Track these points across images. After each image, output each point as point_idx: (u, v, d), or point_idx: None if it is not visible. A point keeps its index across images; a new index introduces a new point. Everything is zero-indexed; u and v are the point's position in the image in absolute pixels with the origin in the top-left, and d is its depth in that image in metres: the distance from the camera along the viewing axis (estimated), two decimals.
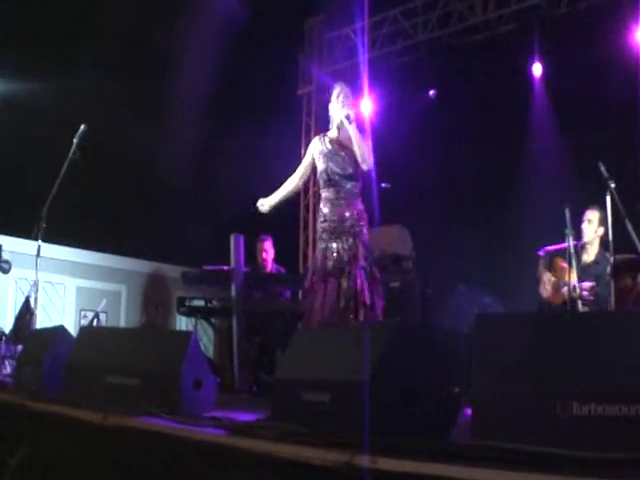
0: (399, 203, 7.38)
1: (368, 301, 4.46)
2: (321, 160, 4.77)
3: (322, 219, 4.72)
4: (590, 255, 5.87)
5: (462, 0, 9.43)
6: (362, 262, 4.51)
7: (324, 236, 4.68)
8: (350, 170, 4.69)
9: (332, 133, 4.84)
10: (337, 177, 4.69)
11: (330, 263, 4.58)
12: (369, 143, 4.69)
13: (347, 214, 4.62)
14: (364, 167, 4.63)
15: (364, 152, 4.60)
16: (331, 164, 4.71)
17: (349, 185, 4.67)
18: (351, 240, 4.56)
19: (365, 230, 4.64)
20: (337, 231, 4.61)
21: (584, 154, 7.27)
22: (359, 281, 4.47)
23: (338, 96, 4.74)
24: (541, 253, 6.02)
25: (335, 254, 4.58)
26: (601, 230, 5.77)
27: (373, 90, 10.20)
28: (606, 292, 5.52)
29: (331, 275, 4.55)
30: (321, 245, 4.70)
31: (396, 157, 8.88)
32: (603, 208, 5.71)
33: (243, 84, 10.47)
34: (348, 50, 10.78)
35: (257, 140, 9.34)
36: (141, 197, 10.86)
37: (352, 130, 4.61)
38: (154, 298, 11.97)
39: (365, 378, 2.35)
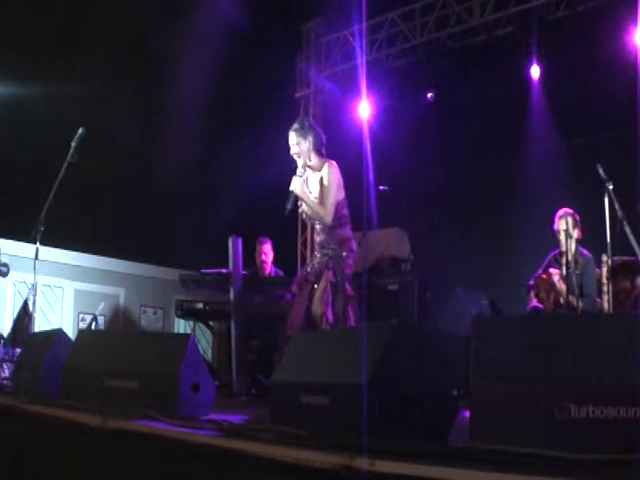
0: (397, 206, 7.38)
1: (331, 317, 4.52)
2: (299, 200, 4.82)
3: (315, 246, 4.93)
4: (569, 256, 5.89)
5: (460, 2, 9.44)
6: (331, 277, 4.59)
7: (313, 256, 4.91)
8: None
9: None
10: (312, 217, 4.80)
11: (307, 272, 4.77)
12: (331, 181, 4.66)
13: (328, 244, 4.72)
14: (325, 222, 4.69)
15: (318, 215, 4.67)
16: (305, 206, 4.75)
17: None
18: (327, 258, 4.68)
19: (345, 255, 4.68)
20: (321, 253, 4.76)
21: (582, 156, 7.29)
22: (325, 295, 4.56)
23: (293, 144, 4.75)
24: (531, 282, 6.07)
25: (310, 267, 4.78)
26: (576, 233, 5.77)
27: (371, 93, 10.22)
28: (589, 283, 5.60)
29: (305, 283, 4.73)
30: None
31: (394, 160, 8.90)
32: (571, 210, 5.76)
33: (241, 87, 10.49)
34: (346, 53, 10.80)
35: (255, 143, 9.35)
36: (139, 200, 10.87)
37: (303, 201, 4.68)
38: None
39: (363, 381, 2.35)
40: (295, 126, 4.78)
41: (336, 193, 4.65)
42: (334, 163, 4.73)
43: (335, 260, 4.63)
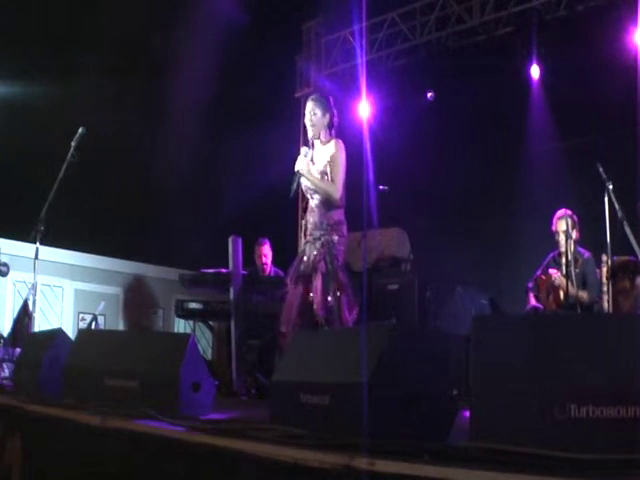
0: (397, 205, 7.39)
1: (321, 311, 4.52)
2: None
3: (307, 226, 4.89)
4: (568, 256, 5.89)
5: (460, 2, 9.44)
6: (323, 267, 4.58)
7: (306, 240, 4.84)
8: None
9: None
10: (312, 191, 4.79)
11: (302, 267, 4.74)
12: (339, 158, 4.70)
13: (321, 223, 4.72)
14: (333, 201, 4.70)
15: (326, 192, 4.69)
16: (308, 182, 4.77)
17: (324, 198, 4.72)
18: (319, 246, 4.66)
19: (337, 239, 4.69)
20: (313, 237, 4.74)
21: (582, 156, 7.28)
22: (320, 286, 4.56)
23: (310, 112, 4.81)
24: (530, 285, 6.08)
25: (306, 258, 4.73)
26: (574, 234, 5.77)
27: (371, 92, 10.22)
28: (592, 279, 5.61)
29: (300, 278, 4.72)
30: (300, 249, 4.90)
31: (394, 159, 8.90)
32: (570, 211, 5.76)
33: (241, 87, 10.48)
34: (346, 53, 10.80)
35: (255, 143, 9.35)
36: (139, 200, 10.85)
37: (309, 181, 4.72)
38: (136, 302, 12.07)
39: (363, 380, 2.35)
40: (318, 97, 4.87)
41: (344, 171, 4.70)
42: (342, 142, 4.77)
43: (326, 247, 4.62)
